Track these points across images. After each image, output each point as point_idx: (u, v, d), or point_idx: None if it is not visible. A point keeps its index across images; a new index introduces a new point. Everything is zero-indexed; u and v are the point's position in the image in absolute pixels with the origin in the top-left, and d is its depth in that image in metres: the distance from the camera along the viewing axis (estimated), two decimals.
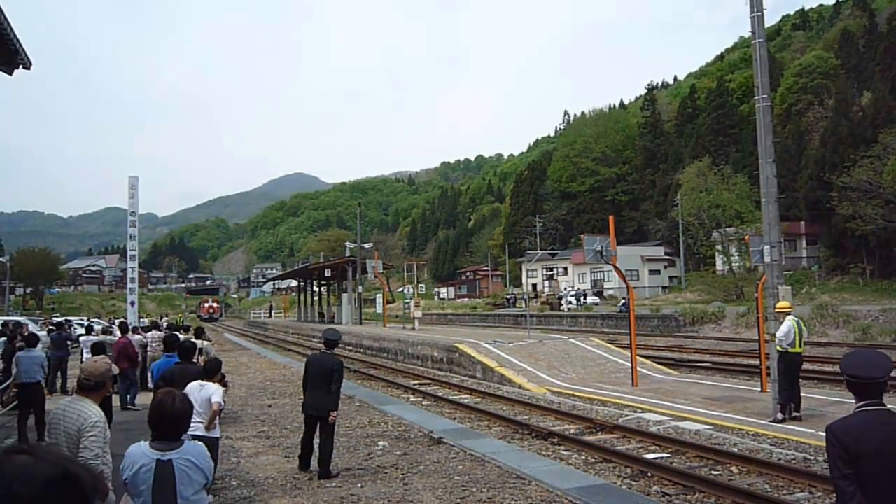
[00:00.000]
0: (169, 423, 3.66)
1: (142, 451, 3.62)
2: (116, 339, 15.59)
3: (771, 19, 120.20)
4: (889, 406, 3.14)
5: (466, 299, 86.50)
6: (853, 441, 3.01)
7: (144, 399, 13.47)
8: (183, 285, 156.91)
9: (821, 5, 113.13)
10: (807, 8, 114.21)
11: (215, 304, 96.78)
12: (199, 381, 7.11)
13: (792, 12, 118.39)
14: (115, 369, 4.94)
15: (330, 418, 8.64)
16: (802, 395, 12.01)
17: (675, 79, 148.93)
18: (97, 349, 11.40)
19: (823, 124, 52.59)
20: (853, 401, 3.23)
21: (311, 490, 8.16)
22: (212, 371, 7.66)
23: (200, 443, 3.94)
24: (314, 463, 8.85)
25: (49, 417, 4.56)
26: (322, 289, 60.65)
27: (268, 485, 8.44)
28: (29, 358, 11.15)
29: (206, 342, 14.22)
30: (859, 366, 3.18)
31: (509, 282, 75.24)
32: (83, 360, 15.42)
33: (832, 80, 60.72)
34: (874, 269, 44.31)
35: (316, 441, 8.82)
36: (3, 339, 16.19)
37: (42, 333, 20.67)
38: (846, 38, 69.53)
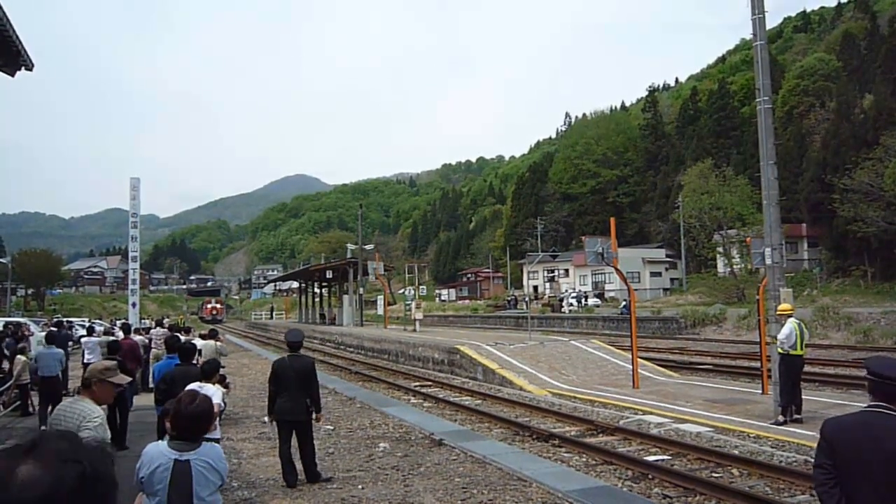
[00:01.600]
0: (188, 424, 3.69)
1: (159, 451, 3.65)
2: (119, 339, 15.61)
3: (772, 21, 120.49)
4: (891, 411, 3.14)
5: (467, 301, 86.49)
6: (832, 434, 3.16)
7: (146, 400, 13.46)
8: (184, 286, 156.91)
9: (822, 7, 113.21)
10: (808, 10, 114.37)
11: (219, 305, 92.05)
12: (198, 383, 7.11)
13: (793, 14, 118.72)
14: (124, 378, 4.90)
15: (320, 420, 8.74)
16: (804, 397, 11.98)
17: (677, 81, 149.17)
18: (113, 348, 11.67)
19: (825, 126, 52.56)
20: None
21: (311, 492, 8.15)
22: (210, 372, 7.64)
23: (217, 445, 3.97)
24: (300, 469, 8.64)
25: (51, 418, 4.61)
26: (323, 290, 60.64)
27: (269, 486, 8.44)
28: (49, 354, 12.58)
29: (219, 343, 14.13)
30: (879, 365, 3.25)
31: (510, 283, 75.33)
32: (84, 360, 15.46)
33: (834, 82, 60.72)
34: (875, 271, 44.27)
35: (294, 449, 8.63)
36: (9, 339, 16.22)
37: (41, 335, 20.84)
38: (848, 40, 69.56)
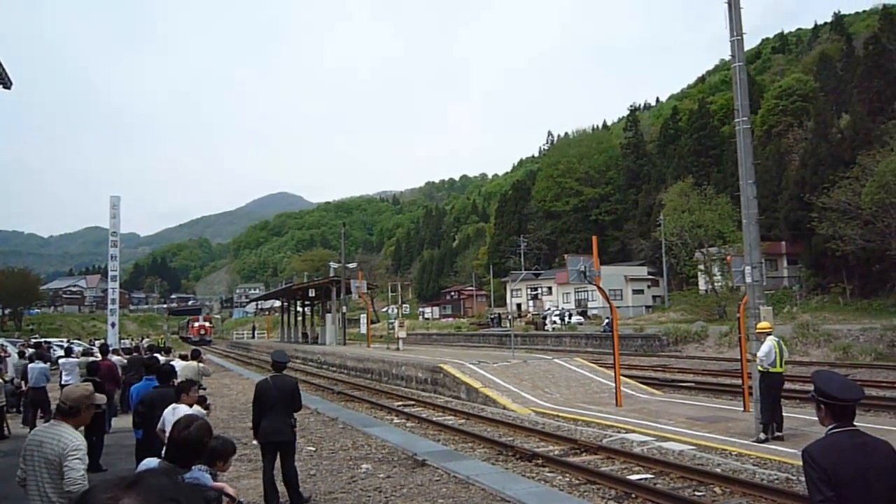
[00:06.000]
0: (180, 448, 3.67)
1: None
2: (98, 361, 15.40)
3: (751, 42, 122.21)
4: (858, 427, 3.18)
5: (451, 319, 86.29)
6: (832, 464, 3.00)
7: (124, 422, 13.27)
8: (165, 306, 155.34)
9: (799, 29, 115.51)
10: (786, 31, 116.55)
11: (207, 324, 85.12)
12: (173, 405, 6.84)
13: (771, 35, 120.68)
14: (100, 398, 4.86)
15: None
16: (784, 414, 12.08)
17: (658, 100, 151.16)
18: (92, 370, 11.72)
19: (803, 146, 53.40)
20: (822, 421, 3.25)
21: None
22: (182, 389, 7.03)
23: (206, 472, 3.91)
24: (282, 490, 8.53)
25: (24, 444, 4.48)
26: (306, 309, 60.36)
27: None
28: (37, 369, 14.76)
29: (201, 364, 13.89)
30: (840, 388, 3.18)
31: (493, 301, 75.33)
32: (62, 381, 15.24)
33: (811, 102, 61.81)
34: (854, 288, 44.85)
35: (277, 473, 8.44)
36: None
37: (15, 356, 21.05)
38: (824, 61, 70.88)
